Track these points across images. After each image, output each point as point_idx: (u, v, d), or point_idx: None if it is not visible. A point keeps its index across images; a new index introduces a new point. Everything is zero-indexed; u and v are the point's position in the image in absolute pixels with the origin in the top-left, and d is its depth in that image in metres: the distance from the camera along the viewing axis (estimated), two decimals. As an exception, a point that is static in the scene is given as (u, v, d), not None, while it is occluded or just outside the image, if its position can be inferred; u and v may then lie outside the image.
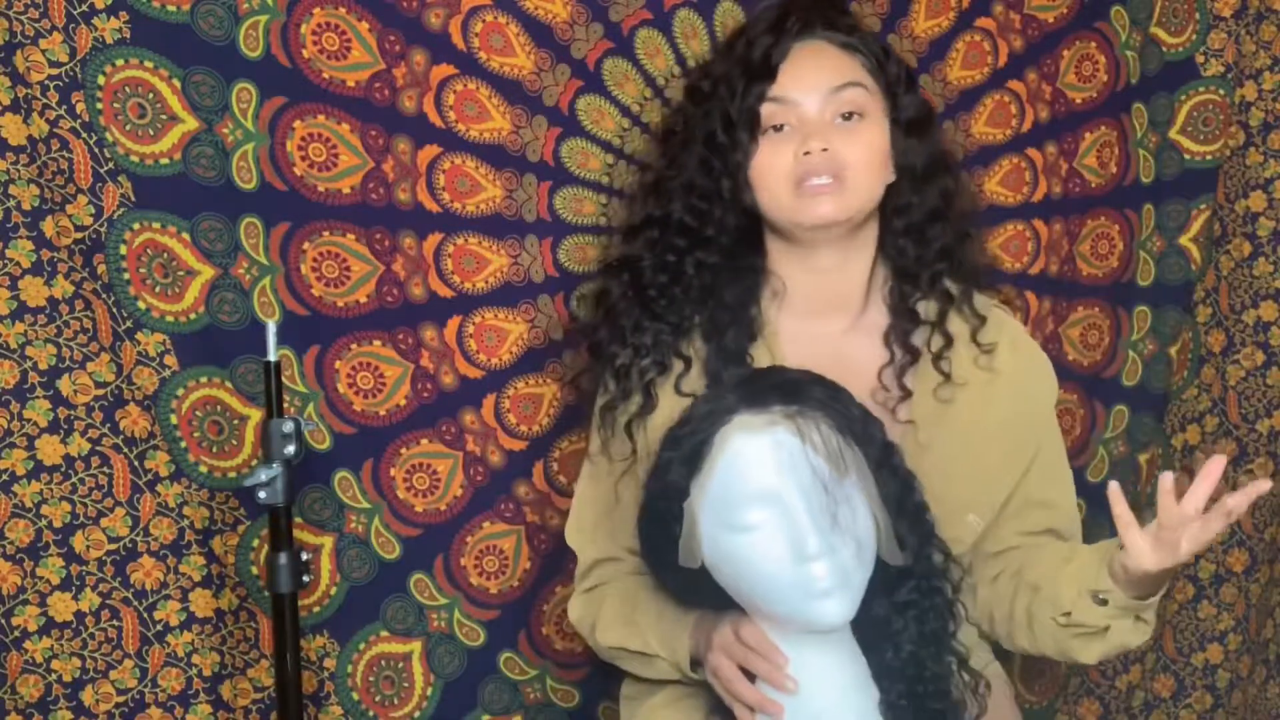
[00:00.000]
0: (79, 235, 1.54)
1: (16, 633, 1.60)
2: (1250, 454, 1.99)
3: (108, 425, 1.59)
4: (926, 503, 1.40)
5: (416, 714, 1.73)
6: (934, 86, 1.81)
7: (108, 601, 1.62)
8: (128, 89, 1.52)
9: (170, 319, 1.57)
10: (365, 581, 1.69)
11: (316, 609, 1.67)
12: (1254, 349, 1.97)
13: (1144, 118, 1.86)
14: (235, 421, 1.61)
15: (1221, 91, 1.85)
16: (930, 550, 1.40)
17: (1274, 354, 1.97)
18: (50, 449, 1.58)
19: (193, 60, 1.54)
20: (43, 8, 1.48)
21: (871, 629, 1.38)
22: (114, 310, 1.56)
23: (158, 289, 1.56)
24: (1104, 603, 1.38)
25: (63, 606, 1.61)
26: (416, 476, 1.69)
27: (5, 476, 1.57)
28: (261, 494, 1.44)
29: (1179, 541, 1.28)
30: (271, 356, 1.44)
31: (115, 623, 1.63)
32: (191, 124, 1.55)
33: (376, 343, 1.66)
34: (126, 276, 1.55)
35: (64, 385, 1.58)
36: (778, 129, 1.47)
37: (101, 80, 1.51)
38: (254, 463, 1.58)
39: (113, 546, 1.61)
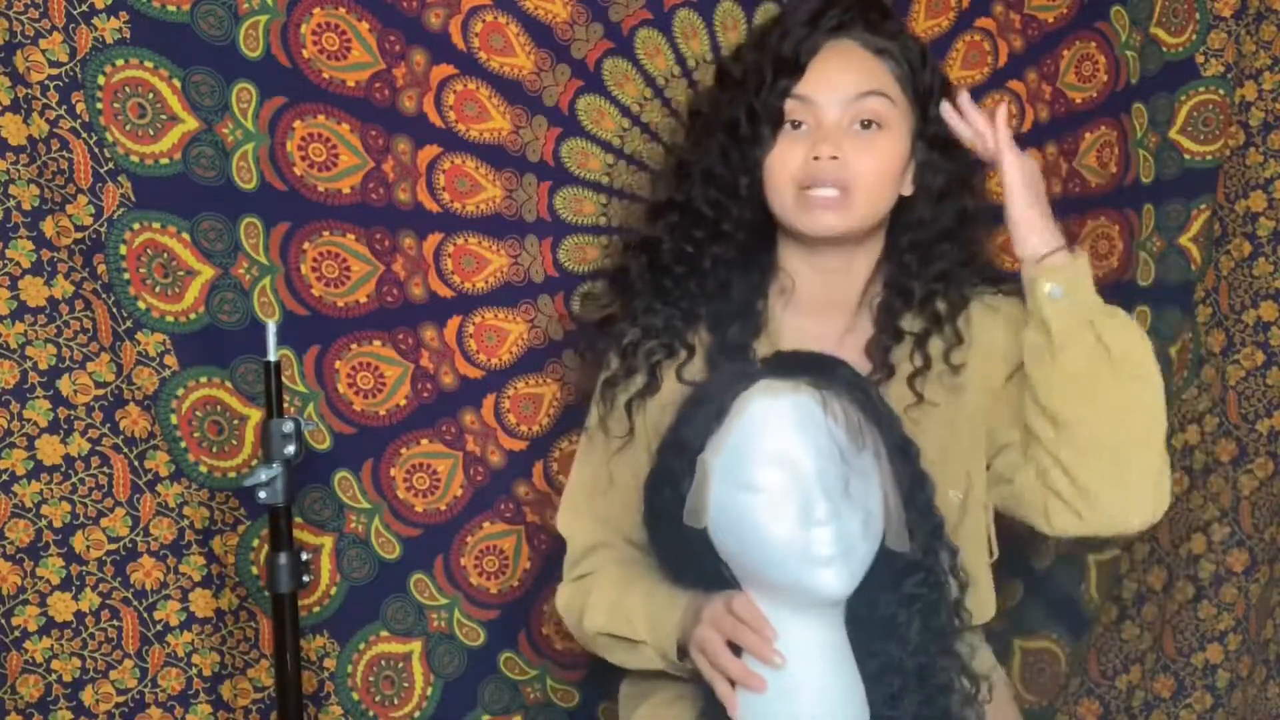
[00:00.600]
0: (79, 235, 1.54)
1: (16, 633, 1.60)
2: (1250, 454, 1.99)
3: (108, 425, 1.59)
4: (935, 504, 1.41)
5: (416, 714, 1.73)
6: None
7: (108, 601, 1.62)
8: (128, 89, 1.52)
9: (170, 319, 1.57)
10: (365, 581, 1.69)
11: (316, 609, 1.67)
12: (1254, 349, 1.97)
13: (1144, 118, 1.86)
14: (235, 421, 1.61)
15: (1221, 91, 1.84)
16: (938, 547, 1.40)
17: (1274, 354, 1.97)
18: (50, 449, 1.58)
19: (193, 60, 1.54)
20: (43, 8, 1.48)
21: (879, 624, 1.37)
22: (114, 310, 1.56)
23: (158, 289, 1.56)
24: (1058, 292, 1.39)
25: (63, 606, 1.61)
26: (416, 476, 1.69)
27: (5, 476, 1.57)
28: (261, 494, 1.44)
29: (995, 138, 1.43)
30: (271, 356, 1.44)
31: (115, 623, 1.63)
32: (191, 124, 1.55)
33: (376, 343, 1.66)
34: (126, 276, 1.55)
35: (64, 385, 1.58)
36: (796, 125, 1.47)
37: (101, 80, 1.51)
38: (254, 463, 1.58)
39: (113, 546, 1.62)
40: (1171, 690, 2.04)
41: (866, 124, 1.46)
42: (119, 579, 1.62)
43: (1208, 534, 2.01)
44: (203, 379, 1.59)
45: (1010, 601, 1.91)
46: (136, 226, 1.54)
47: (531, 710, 1.79)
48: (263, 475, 1.43)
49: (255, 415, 1.61)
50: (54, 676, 1.61)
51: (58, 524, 1.59)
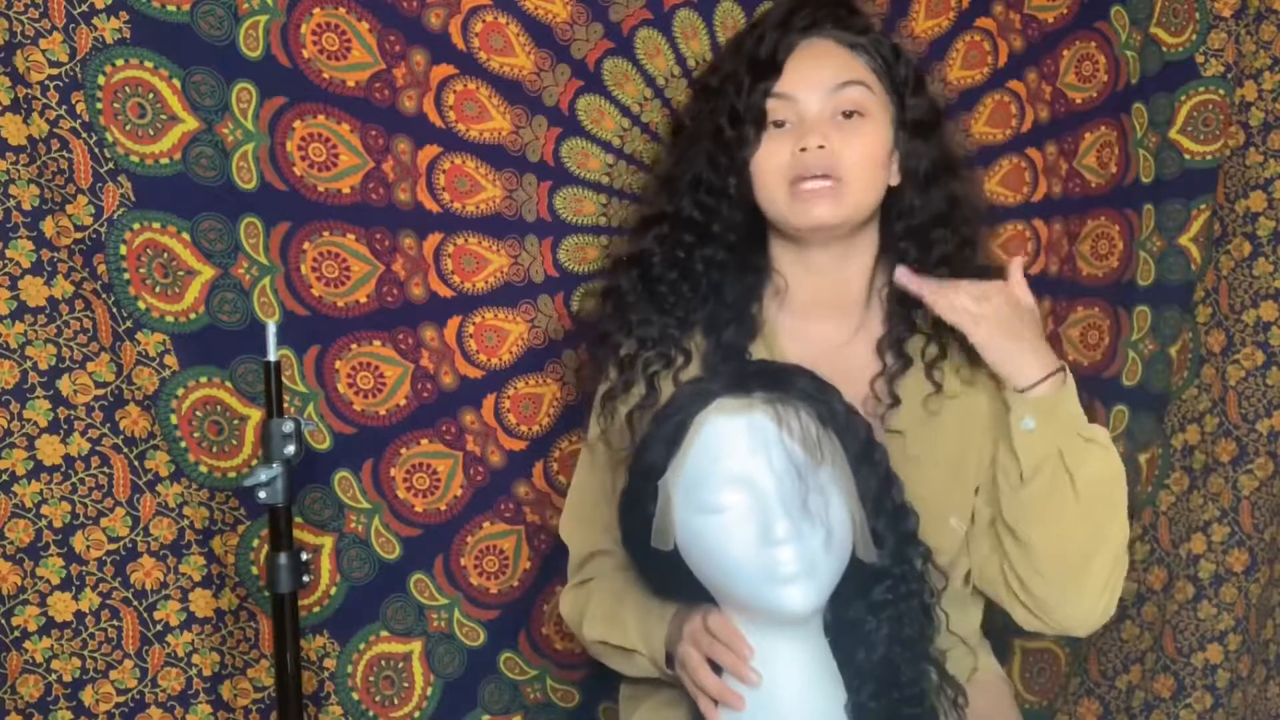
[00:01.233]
0: (79, 235, 1.54)
1: (16, 633, 1.60)
2: (1250, 454, 1.99)
3: (108, 425, 1.59)
4: (909, 505, 1.40)
5: (416, 714, 1.73)
6: (934, 86, 1.81)
7: (108, 601, 1.62)
8: (128, 89, 1.52)
9: (170, 319, 1.57)
10: (365, 581, 1.69)
11: (316, 609, 1.67)
12: (1254, 349, 1.97)
13: (1144, 118, 1.86)
14: (235, 421, 1.61)
15: (1221, 91, 1.85)
16: (910, 552, 1.39)
17: (1274, 354, 1.97)
18: (50, 449, 1.58)
19: (193, 60, 1.54)
20: (43, 8, 1.48)
21: (846, 629, 1.37)
22: (114, 310, 1.56)
23: (158, 289, 1.56)
24: (1031, 425, 1.39)
25: (63, 606, 1.61)
26: (416, 476, 1.69)
27: (5, 476, 1.57)
28: (261, 494, 1.44)
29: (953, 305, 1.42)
30: (271, 356, 1.44)
31: (115, 623, 1.63)
32: (191, 124, 1.55)
33: (376, 343, 1.66)
34: (126, 276, 1.55)
35: (64, 385, 1.58)
36: (779, 125, 1.48)
37: (101, 80, 1.51)
38: (254, 463, 1.58)
39: (113, 546, 1.62)
40: (1171, 690, 2.04)
41: (848, 114, 1.47)
42: (119, 579, 1.62)
43: (1208, 534, 2.01)
44: (203, 379, 1.59)
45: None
46: (136, 226, 1.54)
47: (531, 710, 1.79)
48: (263, 475, 1.43)
49: (255, 415, 1.61)
50: (54, 676, 1.61)
51: (58, 524, 1.59)
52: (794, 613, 1.29)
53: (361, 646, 1.70)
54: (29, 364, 1.56)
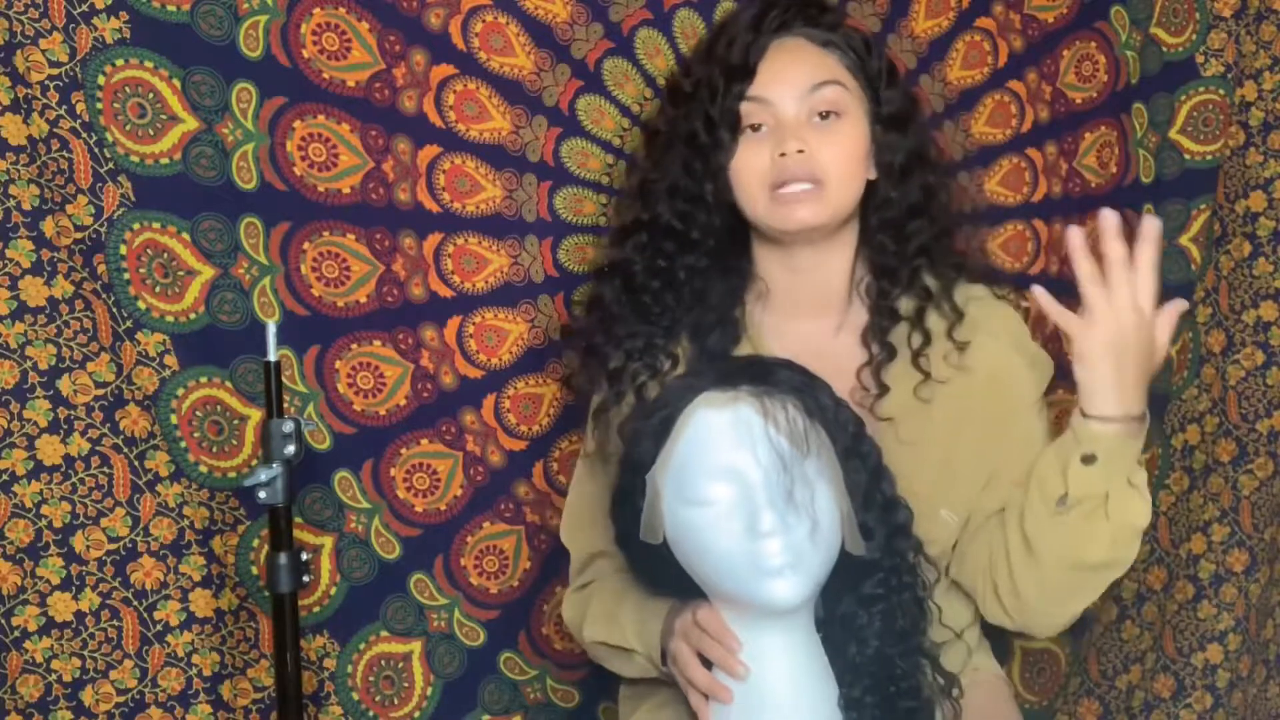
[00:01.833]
0: (79, 235, 1.54)
1: (16, 633, 1.60)
2: (1250, 454, 1.99)
3: (108, 425, 1.59)
4: (899, 498, 1.40)
5: (416, 714, 1.73)
6: (934, 86, 1.81)
7: (108, 601, 1.62)
8: (128, 89, 1.52)
9: (170, 319, 1.57)
10: (365, 581, 1.69)
11: (316, 609, 1.67)
12: (1254, 349, 1.97)
13: (1144, 118, 1.86)
14: (235, 421, 1.61)
15: (1221, 91, 1.85)
16: (901, 545, 1.39)
17: (1274, 354, 1.97)
18: (50, 449, 1.58)
19: (193, 60, 1.54)
20: (43, 8, 1.48)
21: (838, 624, 1.37)
22: (114, 310, 1.56)
23: (158, 289, 1.56)
24: (1091, 458, 1.35)
25: (63, 606, 1.61)
26: (416, 476, 1.69)
27: (5, 476, 1.57)
28: (261, 494, 1.44)
29: (1102, 300, 1.31)
30: (271, 356, 1.44)
31: (115, 623, 1.63)
32: (191, 124, 1.55)
33: (376, 343, 1.66)
34: (126, 276, 1.55)
35: (64, 385, 1.58)
36: (755, 128, 1.46)
37: (101, 80, 1.51)
38: (254, 463, 1.58)
39: (113, 546, 1.62)
40: (1171, 690, 2.04)
41: (825, 115, 1.46)
42: (119, 579, 1.62)
43: (1208, 534, 2.01)
44: (203, 379, 1.59)
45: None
46: (136, 226, 1.55)
47: (531, 710, 1.79)
48: (263, 475, 1.43)
49: (255, 415, 1.61)
50: (54, 676, 1.61)
51: (58, 524, 1.59)
52: (781, 605, 1.29)
53: (361, 646, 1.70)
54: (29, 364, 1.56)
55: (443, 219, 1.67)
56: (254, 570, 1.64)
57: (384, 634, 1.71)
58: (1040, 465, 1.40)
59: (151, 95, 1.53)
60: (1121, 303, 1.32)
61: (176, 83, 1.54)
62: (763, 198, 1.46)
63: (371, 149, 1.63)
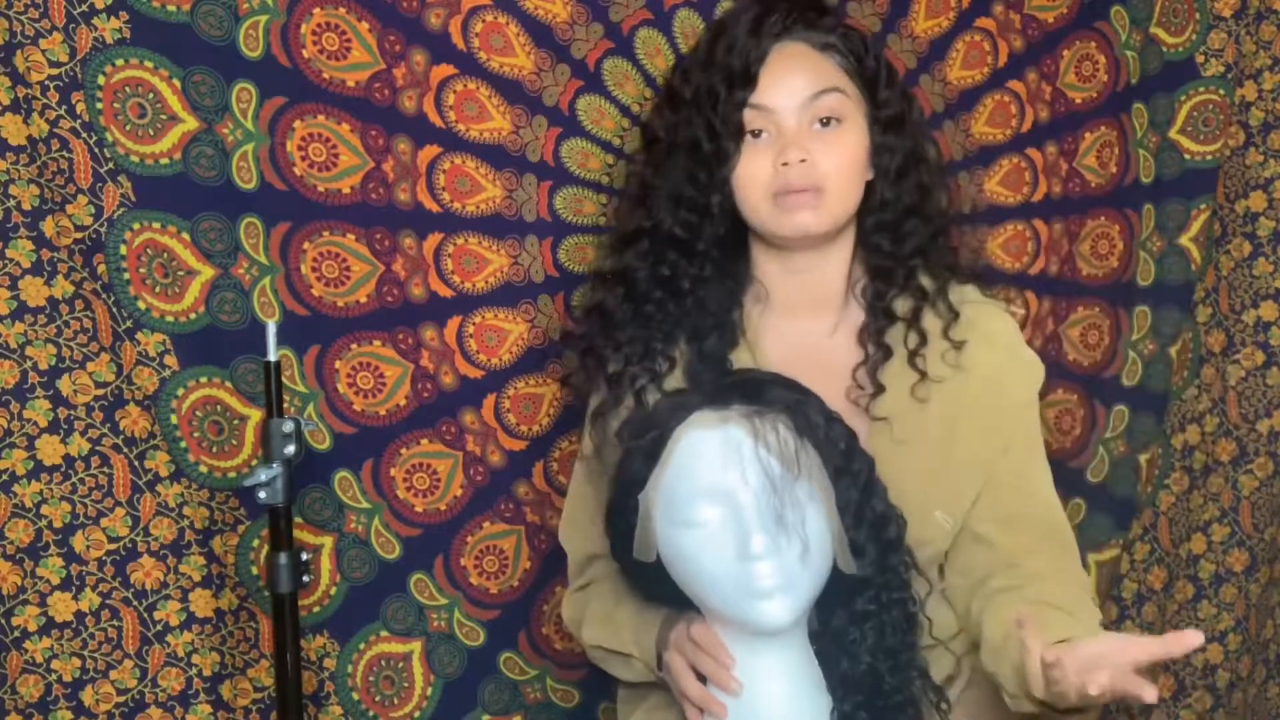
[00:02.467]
0: (79, 235, 1.54)
1: (16, 633, 1.60)
2: (1250, 454, 1.99)
3: (108, 425, 1.59)
4: (892, 511, 1.40)
5: (416, 714, 1.73)
6: (934, 86, 1.81)
7: (108, 601, 1.62)
8: (128, 89, 1.52)
9: (170, 319, 1.57)
10: (365, 581, 1.69)
11: (316, 609, 1.67)
12: (1254, 349, 1.97)
13: (1144, 118, 1.86)
14: (235, 421, 1.61)
15: (1221, 91, 1.84)
16: (894, 561, 1.39)
17: (1274, 354, 1.97)
18: (50, 449, 1.58)
19: (193, 60, 1.54)
20: (43, 8, 1.48)
21: (829, 639, 1.38)
22: (114, 310, 1.56)
23: (158, 289, 1.56)
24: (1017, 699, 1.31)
25: (63, 606, 1.61)
26: (416, 476, 1.69)
27: (5, 476, 1.57)
28: (261, 494, 1.44)
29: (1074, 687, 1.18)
30: (271, 356, 1.44)
31: (115, 623, 1.63)
32: (191, 124, 1.55)
33: (376, 343, 1.66)
34: (126, 276, 1.55)
35: (64, 385, 1.58)
36: (756, 134, 1.47)
37: (101, 80, 1.51)
38: (254, 463, 1.58)
39: (113, 546, 1.61)
40: (1171, 690, 2.04)
41: (825, 121, 1.47)
42: (119, 579, 1.62)
43: (1208, 534, 2.01)
44: (203, 379, 1.59)
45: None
46: (136, 226, 1.54)
47: (531, 710, 1.79)
48: (263, 475, 1.43)
49: (255, 415, 1.61)
50: (54, 676, 1.61)
51: (58, 524, 1.59)
52: (771, 626, 1.31)
53: (361, 646, 1.70)
54: (29, 364, 1.56)
55: (443, 219, 1.67)
56: (254, 570, 1.64)
57: (384, 634, 1.71)
58: (990, 642, 1.37)
59: (151, 95, 1.53)
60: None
61: (176, 83, 1.54)
62: (765, 206, 1.47)
63: (371, 149, 1.63)
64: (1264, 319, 1.96)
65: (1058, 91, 1.85)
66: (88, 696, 1.63)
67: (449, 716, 1.74)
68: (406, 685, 1.72)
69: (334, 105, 1.60)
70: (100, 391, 1.59)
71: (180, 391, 1.59)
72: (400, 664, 1.72)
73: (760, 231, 1.51)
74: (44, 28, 1.49)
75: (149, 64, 1.53)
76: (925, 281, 1.53)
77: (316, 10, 1.58)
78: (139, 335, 1.56)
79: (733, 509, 1.29)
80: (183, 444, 1.60)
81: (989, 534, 1.47)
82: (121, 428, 1.60)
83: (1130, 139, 1.87)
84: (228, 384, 1.60)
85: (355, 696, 1.70)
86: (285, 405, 1.48)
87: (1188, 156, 1.86)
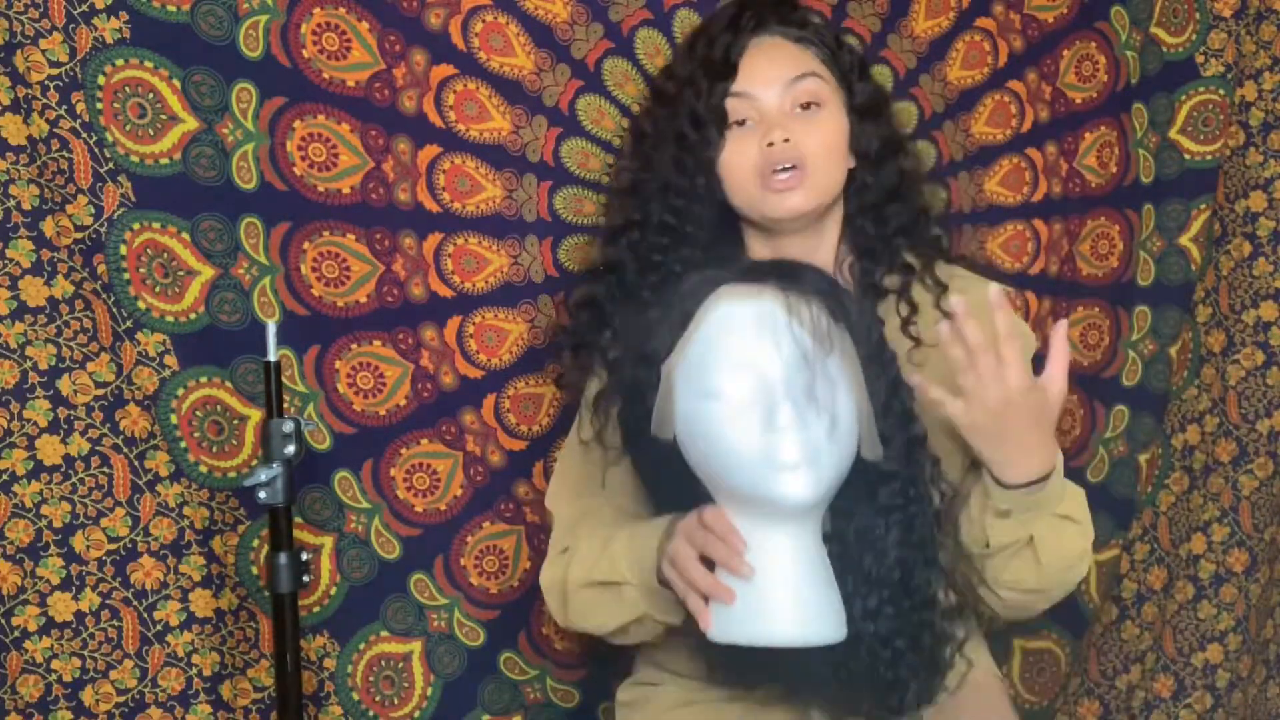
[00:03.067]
0: (79, 235, 1.54)
1: (16, 633, 1.60)
2: (1250, 454, 1.99)
3: (108, 425, 1.59)
4: (915, 414, 1.38)
5: (416, 714, 1.73)
6: (934, 86, 1.81)
7: (108, 601, 1.62)
8: (128, 89, 1.52)
9: (170, 319, 1.57)
10: (365, 581, 1.69)
11: (316, 609, 1.67)
12: (1254, 349, 1.97)
13: (1144, 118, 1.86)
14: (235, 421, 1.61)
15: (1221, 91, 1.85)
16: (917, 456, 1.37)
17: (1274, 354, 1.97)
18: (50, 449, 1.58)
19: (193, 60, 1.54)
20: (43, 8, 1.48)
21: (853, 537, 1.35)
22: (114, 310, 1.56)
23: (158, 289, 1.56)
24: (1006, 513, 1.37)
25: (63, 606, 1.61)
26: (416, 476, 1.69)
27: (5, 476, 1.57)
28: (261, 494, 1.44)
29: (974, 381, 1.30)
30: (271, 356, 1.44)
31: (115, 623, 1.63)
32: (191, 124, 1.55)
33: (376, 343, 1.66)
34: (126, 276, 1.55)
35: (64, 385, 1.58)
36: (740, 123, 1.51)
37: (101, 80, 1.51)
38: (254, 463, 1.58)
39: (113, 546, 1.61)
40: (1171, 690, 2.04)
41: (806, 105, 1.51)
42: (119, 579, 1.62)
43: (1208, 534, 2.01)
44: (203, 379, 1.59)
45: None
46: (136, 226, 1.55)
47: (531, 710, 1.79)
48: (263, 475, 1.43)
49: (255, 415, 1.61)
50: (54, 676, 1.61)
51: (58, 524, 1.59)
52: (794, 502, 1.26)
53: (361, 646, 1.70)
54: (29, 364, 1.56)
55: (443, 219, 1.67)
56: (254, 570, 1.64)
57: (384, 634, 1.71)
58: (967, 510, 1.42)
59: (151, 95, 1.53)
60: (985, 388, 1.31)
61: (176, 83, 1.54)
62: (754, 188, 1.51)
63: (371, 149, 1.63)
64: (1264, 319, 1.96)
65: (1058, 91, 1.85)
66: (88, 696, 1.63)
67: (449, 716, 1.74)
68: (406, 685, 1.72)
69: (334, 105, 1.61)
70: (100, 391, 1.59)
71: (180, 391, 1.59)
72: (400, 664, 1.72)
73: (750, 216, 1.54)
74: (44, 28, 1.49)
75: (149, 64, 1.53)
76: (911, 259, 1.57)
77: (316, 10, 1.58)
78: (139, 335, 1.56)
79: (760, 380, 1.27)
80: (183, 444, 1.60)
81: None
82: (121, 428, 1.60)
83: (1130, 139, 1.87)
84: (228, 384, 1.60)
85: (355, 696, 1.70)
86: (285, 405, 1.48)
87: (1188, 156, 1.86)
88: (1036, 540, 1.39)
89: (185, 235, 1.56)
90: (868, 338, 1.34)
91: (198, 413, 1.60)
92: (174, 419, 1.59)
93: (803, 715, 1.45)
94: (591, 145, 1.71)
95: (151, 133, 1.54)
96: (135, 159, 1.53)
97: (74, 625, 1.61)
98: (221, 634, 1.66)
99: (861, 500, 1.34)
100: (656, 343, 1.34)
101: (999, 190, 1.86)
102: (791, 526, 1.30)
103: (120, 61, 1.52)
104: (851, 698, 1.38)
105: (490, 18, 1.65)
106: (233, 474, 1.61)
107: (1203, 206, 1.87)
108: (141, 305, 1.56)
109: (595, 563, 1.45)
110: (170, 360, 1.58)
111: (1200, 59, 1.84)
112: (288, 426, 1.44)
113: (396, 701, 1.72)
